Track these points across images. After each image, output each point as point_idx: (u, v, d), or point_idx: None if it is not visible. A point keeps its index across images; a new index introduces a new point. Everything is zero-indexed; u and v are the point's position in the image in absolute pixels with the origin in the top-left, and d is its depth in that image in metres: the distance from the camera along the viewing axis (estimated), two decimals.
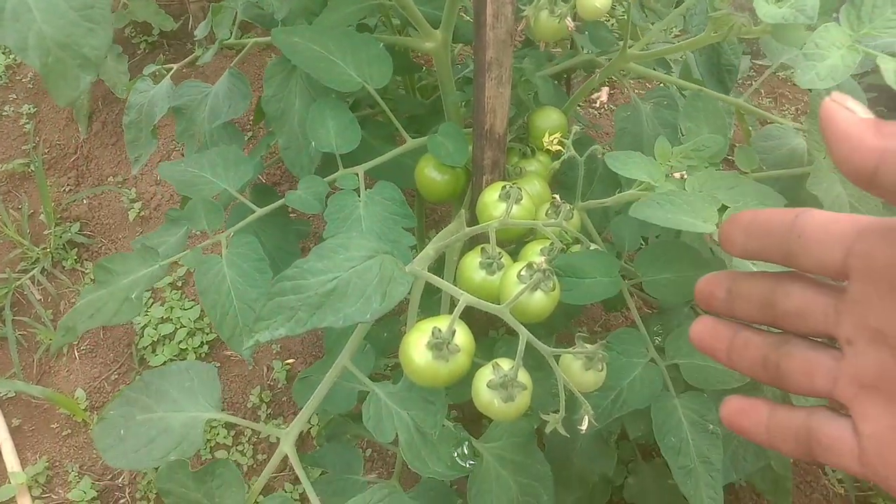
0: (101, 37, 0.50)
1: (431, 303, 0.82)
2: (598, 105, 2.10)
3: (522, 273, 0.58)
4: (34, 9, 0.48)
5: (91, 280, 1.68)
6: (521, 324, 0.54)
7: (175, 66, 1.05)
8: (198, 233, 0.80)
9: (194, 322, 1.53)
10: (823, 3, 0.54)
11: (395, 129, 0.87)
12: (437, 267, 0.82)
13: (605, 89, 2.15)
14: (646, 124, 0.88)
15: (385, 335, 0.86)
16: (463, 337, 0.55)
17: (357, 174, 0.78)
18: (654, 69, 0.95)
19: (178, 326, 1.52)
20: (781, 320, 0.31)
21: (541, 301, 0.57)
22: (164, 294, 1.59)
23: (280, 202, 0.78)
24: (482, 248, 0.66)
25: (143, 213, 1.71)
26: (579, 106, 2.07)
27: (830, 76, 0.50)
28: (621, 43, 0.82)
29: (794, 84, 1.95)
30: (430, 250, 0.72)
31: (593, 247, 0.66)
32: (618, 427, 1.01)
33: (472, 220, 0.84)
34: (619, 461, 1.25)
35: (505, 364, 0.55)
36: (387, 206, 0.75)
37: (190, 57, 1.03)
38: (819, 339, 0.31)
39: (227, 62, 1.13)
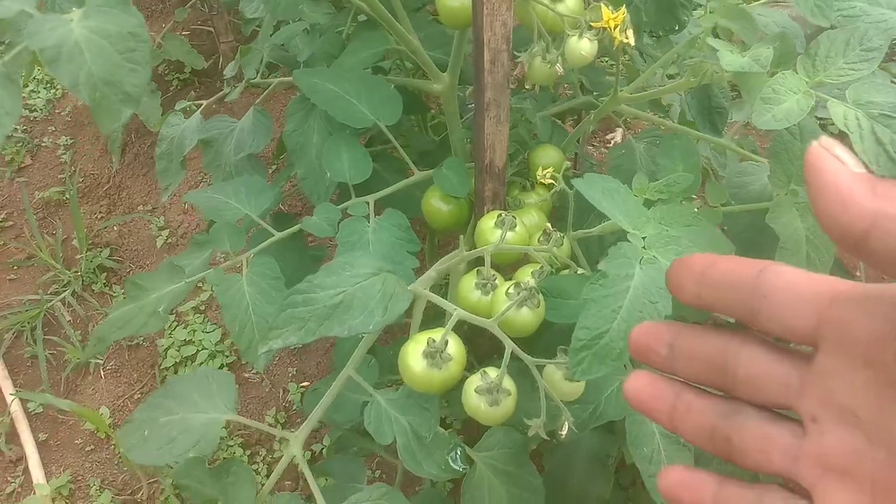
0: (141, 76, 0.57)
1: (436, 324, 0.88)
2: (612, 145, 2.17)
3: (511, 291, 0.64)
4: (85, 51, 0.56)
5: (118, 304, 1.77)
6: (510, 338, 0.60)
7: (205, 103, 1.13)
8: (221, 258, 0.87)
9: (215, 345, 1.60)
10: (781, 55, 0.60)
11: (407, 164, 0.94)
12: (445, 293, 0.88)
13: (620, 130, 2.21)
14: (639, 162, 0.94)
15: (391, 353, 0.91)
16: (455, 347, 0.61)
17: (367, 202, 0.85)
18: (651, 111, 1.02)
19: (199, 349, 1.59)
20: (733, 388, 0.28)
21: (527, 316, 0.63)
22: (188, 317, 1.66)
23: (297, 227, 0.85)
24: (478, 270, 0.72)
25: (170, 241, 1.80)
26: (593, 146, 2.14)
27: (786, 118, 0.56)
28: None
29: None
30: (432, 272, 0.78)
31: (580, 271, 0.72)
32: (616, 451, 1.06)
33: (473, 247, 0.91)
34: (618, 486, 1.29)
35: (492, 372, 0.60)
36: (393, 231, 0.82)
37: (219, 94, 1.11)
38: (775, 410, 0.28)
39: (253, 99, 1.22)
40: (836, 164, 0.24)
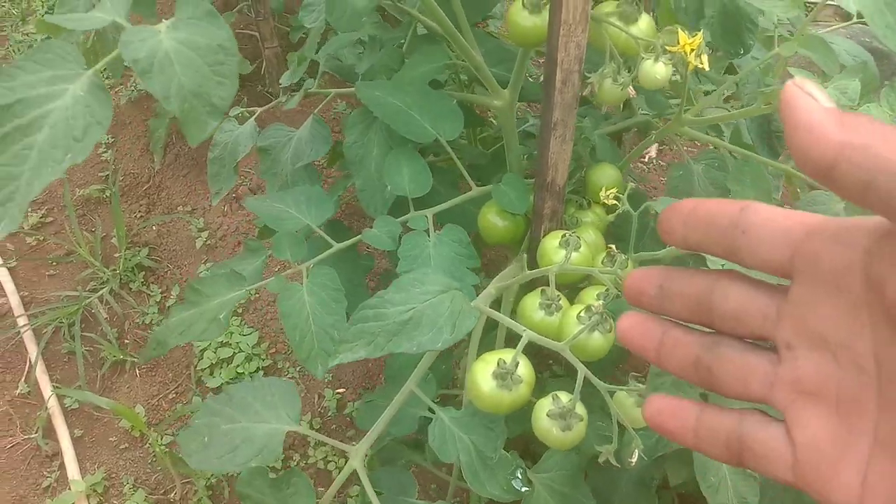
0: (228, 88, 0.58)
1: (487, 339, 0.88)
2: (646, 160, 2.16)
3: (582, 315, 0.64)
4: (176, 63, 0.57)
5: (156, 303, 1.78)
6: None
7: (258, 110, 1.14)
8: (275, 265, 0.88)
9: (252, 348, 1.60)
10: (865, 84, 0.60)
11: (458, 176, 0.94)
12: (495, 307, 0.88)
13: (655, 145, 2.21)
14: (697, 184, 0.94)
15: (443, 367, 0.92)
16: (525, 370, 0.61)
17: (427, 216, 0.85)
18: (707, 132, 1.01)
19: (236, 351, 1.60)
20: (717, 322, 0.30)
21: (598, 341, 0.63)
22: None
23: (356, 238, 0.86)
24: (542, 290, 0.72)
25: (209, 242, 1.81)
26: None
27: None
28: (675, 105, 0.89)
29: None
30: (491, 289, 0.79)
31: None
32: (660, 474, 1.05)
33: (532, 264, 0.91)
34: None
35: (563, 396, 0.60)
36: (454, 247, 0.82)
37: (274, 102, 1.12)
38: (754, 342, 0.30)
39: (302, 108, 1.23)
40: (808, 101, 0.25)
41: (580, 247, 0.75)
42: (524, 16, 0.76)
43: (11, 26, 2.51)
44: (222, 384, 1.57)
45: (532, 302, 0.72)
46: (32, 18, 2.52)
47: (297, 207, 0.87)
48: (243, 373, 1.57)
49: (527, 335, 0.62)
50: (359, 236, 0.85)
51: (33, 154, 0.56)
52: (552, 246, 0.76)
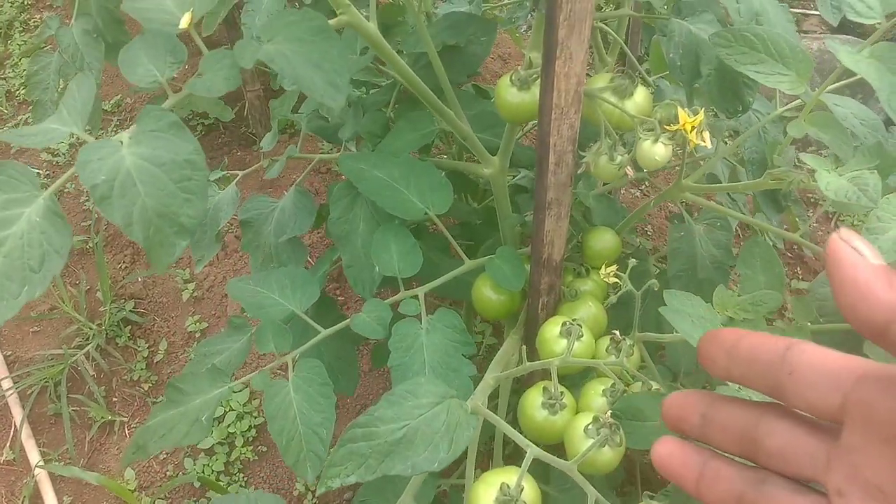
0: (196, 206, 0.53)
1: (486, 425, 0.83)
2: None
3: (590, 427, 0.59)
4: (138, 182, 0.52)
5: (143, 359, 1.73)
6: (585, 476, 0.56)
7: (240, 174, 1.09)
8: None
9: (243, 405, 1.55)
10: (882, 170, 0.56)
11: (449, 242, 0.89)
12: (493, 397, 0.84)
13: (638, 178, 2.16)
14: (699, 245, 0.90)
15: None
16: (531, 493, 0.56)
17: (419, 297, 0.81)
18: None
19: (227, 409, 1.55)
20: (763, 458, 0.29)
21: (608, 456, 0.58)
22: None
23: (344, 323, 0.81)
24: (544, 388, 0.67)
25: (196, 294, 1.76)
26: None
27: (893, 248, 0.51)
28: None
29: None
30: (489, 380, 0.74)
31: (655, 386, 0.68)
32: None
33: (528, 341, 0.86)
34: None
35: None
36: (447, 333, 0.77)
37: (255, 166, 1.07)
38: (803, 483, 0.28)
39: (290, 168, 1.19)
40: (855, 257, 0.25)
41: (582, 335, 0.70)
42: (513, 92, 0.72)
43: None
44: (213, 444, 1.52)
45: (534, 399, 0.67)
46: (9, 62, 2.48)
47: (282, 292, 0.83)
48: (235, 432, 1.52)
49: (531, 451, 0.58)
50: (346, 321, 0.81)
51: None
52: (552, 335, 0.71)
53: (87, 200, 1.99)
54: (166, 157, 0.53)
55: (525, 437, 0.63)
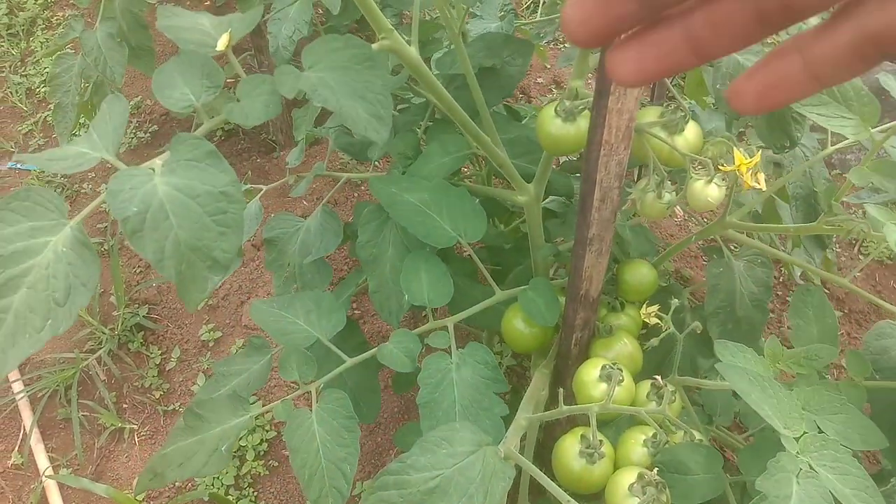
0: (231, 240, 0.51)
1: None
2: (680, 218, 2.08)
3: (635, 486, 0.56)
4: (171, 214, 0.50)
5: (155, 366, 1.71)
6: None
7: (264, 188, 1.07)
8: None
9: (255, 419, 1.53)
10: None
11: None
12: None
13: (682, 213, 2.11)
14: (738, 282, 0.87)
15: None
16: None
17: (448, 328, 0.78)
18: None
19: None
20: None
21: None
22: None
23: (371, 353, 0.78)
24: (581, 436, 0.64)
25: (211, 302, 1.74)
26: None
27: None
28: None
29: None
30: (521, 421, 0.71)
31: (697, 437, 0.65)
32: None
33: (558, 377, 0.83)
34: None
35: None
36: (478, 369, 0.74)
37: (280, 181, 1.05)
38: None
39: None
40: None
41: (622, 380, 0.67)
42: (557, 124, 0.69)
43: (10, 67, 2.45)
44: None
45: (571, 448, 0.64)
46: (31, 59, 2.47)
47: (307, 317, 0.80)
48: (246, 446, 1.50)
49: None
50: (372, 351, 0.78)
51: (8, 319, 0.49)
52: (590, 378, 0.68)
53: (103, 203, 1.97)
54: (201, 188, 0.50)
55: (558, 484, 0.60)
